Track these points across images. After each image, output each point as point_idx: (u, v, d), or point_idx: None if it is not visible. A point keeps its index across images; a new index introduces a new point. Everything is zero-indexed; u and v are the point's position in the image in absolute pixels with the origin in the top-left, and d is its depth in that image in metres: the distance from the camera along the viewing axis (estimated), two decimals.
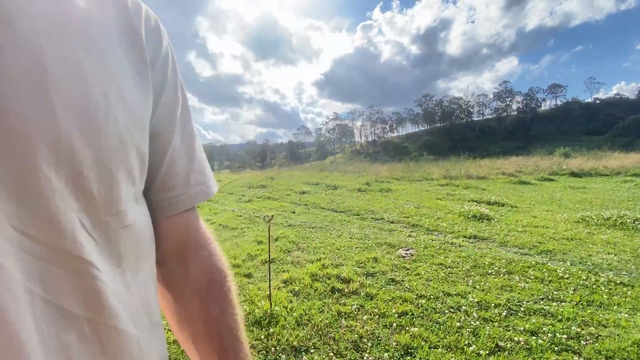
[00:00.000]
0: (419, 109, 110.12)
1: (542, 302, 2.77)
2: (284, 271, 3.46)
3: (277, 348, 2.14)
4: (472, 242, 4.54)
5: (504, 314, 2.57)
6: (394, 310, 2.59)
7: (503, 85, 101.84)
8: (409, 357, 2.08)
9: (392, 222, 5.82)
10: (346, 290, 2.97)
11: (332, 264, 3.63)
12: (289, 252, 4.12)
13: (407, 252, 4.16)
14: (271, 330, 2.33)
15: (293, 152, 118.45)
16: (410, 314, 2.56)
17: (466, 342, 2.20)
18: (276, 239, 4.59)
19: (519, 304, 2.75)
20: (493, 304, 2.72)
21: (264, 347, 2.15)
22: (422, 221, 5.74)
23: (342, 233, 5.03)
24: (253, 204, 7.70)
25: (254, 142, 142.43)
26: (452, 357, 2.07)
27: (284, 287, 3.06)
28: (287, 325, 2.40)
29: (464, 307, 2.67)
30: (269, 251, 2.54)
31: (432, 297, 2.86)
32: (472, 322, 2.44)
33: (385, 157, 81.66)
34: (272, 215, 2.40)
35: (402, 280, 3.22)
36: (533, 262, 3.65)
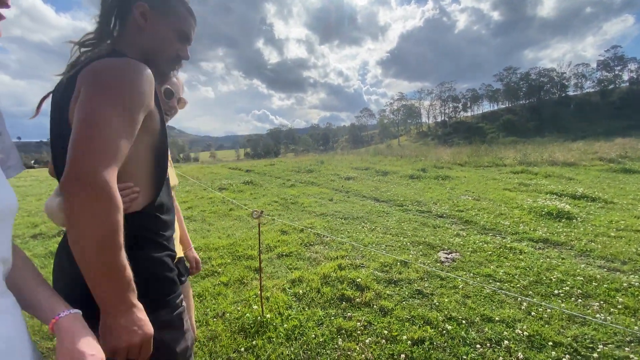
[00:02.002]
0: (500, 84, 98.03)
1: (629, 347, 1.95)
2: (295, 268, 3.14)
3: None
4: (539, 248, 3.62)
5: (565, 359, 1.86)
6: (407, 336, 2.07)
7: (612, 52, 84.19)
8: None
9: (440, 217, 5.05)
10: (357, 300, 2.52)
11: (351, 264, 3.19)
12: (310, 245, 3.78)
13: (449, 256, 3.48)
14: (254, 342, 2.04)
15: (355, 135, 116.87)
16: (428, 342, 2.02)
17: None
18: (301, 230, 4.29)
19: (591, 345, 1.98)
20: (551, 342, 2.01)
21: None
22: (478, 217, 4.86)
23: (377, 227, 4.50)
24: (295, 190, 7.51)
25: (317, 126, 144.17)
26: None
27: (289, 288, 2.74)
28: (274, 339, 2.08)
29: (506, 342, 2.02)
30: (259, 252, 2.22)
31: (464, 321, 2.24)
32: None
33: (456, 139, 75.32)
34: (262, 211, 2.06)
35: (431, 294, 2.63)
36: (625, 284, 2.69)
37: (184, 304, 0.88)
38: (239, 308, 2.45)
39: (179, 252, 1.50)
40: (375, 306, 2.44)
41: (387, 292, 2.66)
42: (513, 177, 8.57)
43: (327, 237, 3.95)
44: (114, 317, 0.60)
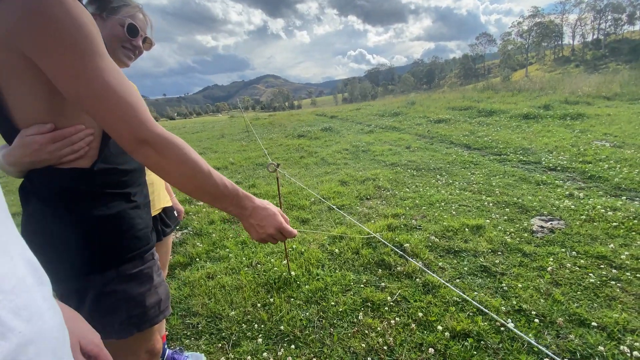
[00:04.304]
0: None
1: None
2: (341, 224, 2.89)
3: (263, 327, 1.77)
4: None
5: None
6: (447, 324, 1.64)
7: None
8: None
9: (551, 169, 3.88)
10: (399, 269, 2.14)
11: (405, 225, 2.73)
12: (366, 199, 3.41)
13: (548, 223, 2.63)
14: (272, 299, 1.96)
15: (467, 68, 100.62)
16: (473, 339, 1.55)
17: None
18: (362, 181, 3.91)
19: None
20: None
21: (252, 319, 1.83)
22: (612, 171, 3.52)
23: (455, 181, 3.74)
24: (371, 136, 6.92)
25: (421, 61, 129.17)
26: None
27: (328, 245, 2.53)
28: (293, 300, 1.95)
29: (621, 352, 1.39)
30: (280, 206, 2.02)
31: (539, 319, 1.64)
32: None
33: (612, 63, 56.93)
34: (279, 164, 1.80)
35: (502, 274, 2.03)
36: None
37: (155, 257, 0.88)
38: (272, 260, 2.40)
39: (165, 203, 1.42)
40: (418, 279, 2.03)
41: (440, 263, 2.18)
42: None
43: (388, 190, 3.49)
44: (245, 220, 0.73)
